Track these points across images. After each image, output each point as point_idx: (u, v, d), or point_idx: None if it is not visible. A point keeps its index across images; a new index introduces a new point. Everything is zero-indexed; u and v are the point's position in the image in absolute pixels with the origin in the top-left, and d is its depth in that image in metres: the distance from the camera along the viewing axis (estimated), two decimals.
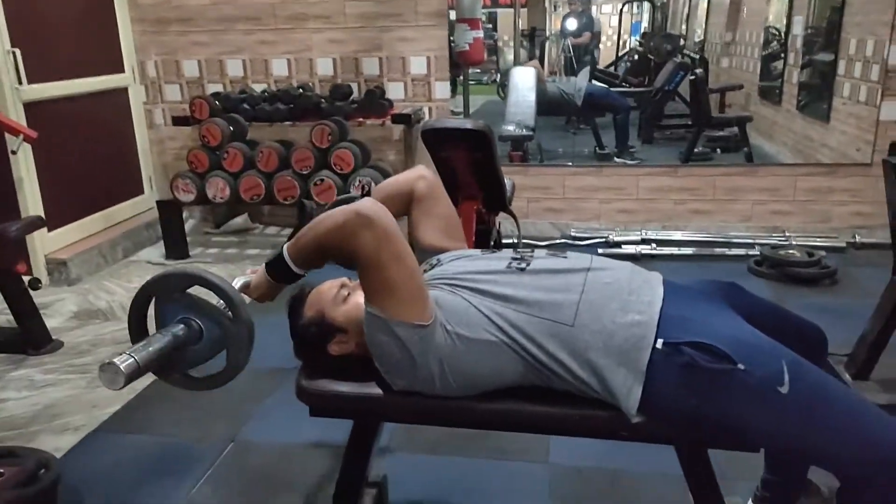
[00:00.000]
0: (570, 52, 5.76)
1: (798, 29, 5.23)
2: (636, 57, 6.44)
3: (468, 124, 2.39)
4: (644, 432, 1.30)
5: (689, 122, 5.60)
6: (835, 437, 1.18)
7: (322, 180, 3.62)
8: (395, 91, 4.08)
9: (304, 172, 3.68)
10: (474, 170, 2.22)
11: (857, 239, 3.79)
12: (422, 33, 4.03)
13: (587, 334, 1.27)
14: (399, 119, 3.84)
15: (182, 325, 1.31)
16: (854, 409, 1.19)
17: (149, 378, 2.55)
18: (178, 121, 4.09)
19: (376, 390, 1.40)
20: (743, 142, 4.89)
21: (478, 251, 1.55)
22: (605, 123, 5.38)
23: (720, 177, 4.02)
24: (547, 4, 5.85)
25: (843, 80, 4.35)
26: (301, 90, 3.91)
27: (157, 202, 3.99)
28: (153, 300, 1.35)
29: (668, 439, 1.33)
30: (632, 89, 6.01)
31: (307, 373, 1.48)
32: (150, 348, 1.25)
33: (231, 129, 3.83)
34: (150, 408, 2.44)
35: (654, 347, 1.24)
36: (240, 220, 4.49)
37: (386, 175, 3.77)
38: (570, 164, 4.40)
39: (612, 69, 6.37)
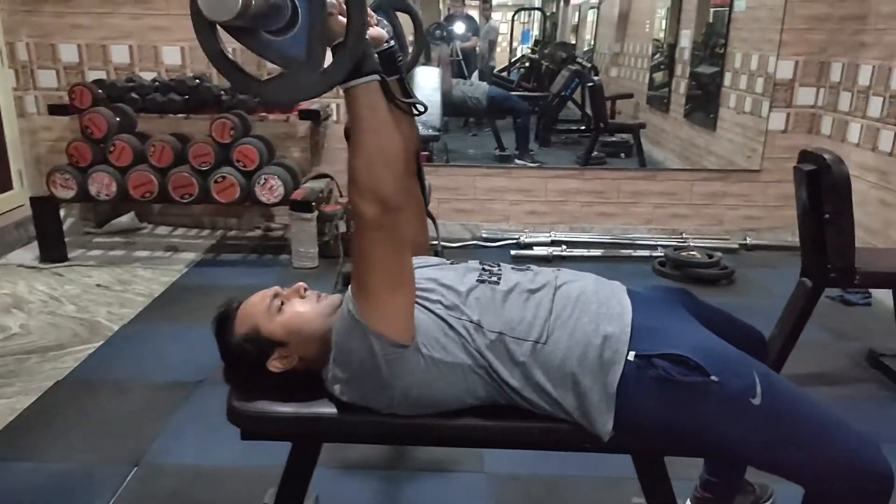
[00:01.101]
0: (458, 55, 5.78)
1: (685, 42, 5.51)
2: (528, 64, 6.60)
3: None
4: (610, 444, 1.25)
5: (583, 128, 5.79)
6: (805, 448, 1.18)
7: (224, 177, 3.38)
8: None
9: (203, 168, 3.42)
10: None
11: (749, 241, 4.01)
12: None
13: (560, 351, 1.21)
14: (307, 115, 3.65)
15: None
16: (824, 420, 1.20)
17: (29, 396, 2.30)
18: (54, 109, 3.70)
19: (323, 409, 1.28)
20: (637, 147, 5.09)
21: (443, 260, 1.45)
22: (504, 126, 5.46)
23: (624, 180, 4.13)
24: (441, 6, 5.84)
25: (729, 91, 4.61)
26: (198, 81, 3.64)
27: (31, 199, 3.59)
28: None
29: (632, 450, 1.29)
30: (530, 94, 6.14)
31: (239, 393, 1.33)
32: None
33: (118, 119, 3.50)
34: (37, 430, 2.16)
35: (626, 360, 1.19)
36: (125, 219, 4.13)
37: (292, 173, 3.58)
38: (480, 165, 4.38)
39: (504, 74, 6.50)
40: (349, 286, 1.20)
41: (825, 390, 2.46)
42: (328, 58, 1.05)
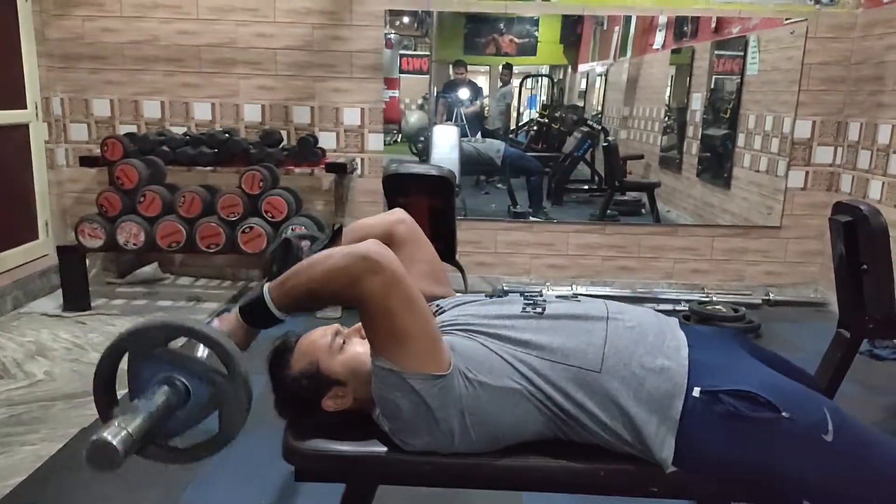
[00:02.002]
0: (462, 119, 5.91)
1: (697, 105, 5.63)
2: (535, 127, 6.75)
3: (433, 171, 2.33)
4: (676, 487, 1.23)
5: (594, 187, 5.87)
6: (880, 486, 1.15)
7: (251, 228, 3.42)
8: (326, 141, 3.97)
9: (232, 219, 3.45)
10: (432, 218, 2.14)
11: (772, 296, 4.00)
12: (357, 85, 3.97)
13: (615, 381, 1.20)
14: (333, 168, 3.72)
15: (166, 387, 1.10)
16: None
17: (55, 443, 2.26)
18: (85, 161, 3.77)
19: (379, 449, 1.26)
20: (651, 206, 5.15)
21: (481, 296, 1.45)
22: (516, 185, 5.54)
23: (645, 235, 4.16)
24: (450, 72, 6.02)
25: (743, 151, 4.69)
26: (227, 134, 3.72)
27: (58, 248, 3.61)
28: (126, 357, 1.14)
29: (700, 494, 1.26)
30: (542, 154, 6.26)
31: (295, 432, 1.31)
32: (140, 416, 1.03)
33: (148, 171, 3.57)
34: (63, 478, 2.11)
35: (690, 395, 1.18)
36: (149, 270, 4.15)
37: (319, 224, 3.62)
38: (501, 219, 4.42)
39: (512, 136, 6.64)
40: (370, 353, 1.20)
41: None
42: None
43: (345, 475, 1.30)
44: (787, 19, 3.98)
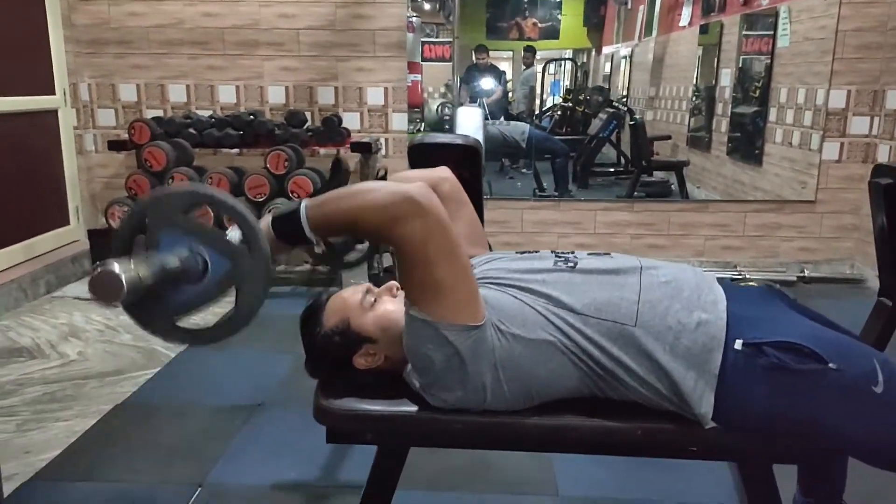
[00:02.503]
0: (484, 108, 5.85)
1: (726, 80, 5.51)
2: (559, 112, 6.67)
3: (459, 140, 2.29)
4: (716, 445, 1.19)
5: (621, 169, 5.78)
6: None
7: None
8: (350, 121, 3.95)
9: (259, 200, 3.46)
10: None
11: (806, 273, 3.91)
12: (380, 64, 3.95)
13: (651, 336, 1.16)
14: (358, 147, 3.70)
15: (185, 252, 1.02)
16: None
17: (89, 419, 2.28)
18: (113, 145, 3.80)
19: (410, 408, 1.24)
20: (680, 185, 5.05)
21: (511, 252, 1.42)
22: (542, 168, 5.47)
23: (674, 212, 4.09)
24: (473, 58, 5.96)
25: (775, 126, 4.58)
26: (252, 116, 3.72)
27: (89, 231, 3.66)
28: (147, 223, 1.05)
29: (741, 453, 1.22)
30: (568, 138, 6.18)
31: (326, 392, 1.29)
32: (152, 265, 0.97)
33: (176, 153, 3.58)
34: (97, 452, 2.13)
35: (731, 349, 1.14)
36: None
37: None
38: (528, 198, 4.38)
39: (536, 122, 6.57)
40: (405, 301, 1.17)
41: None
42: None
43: (376, 434, 1.27)
44: None
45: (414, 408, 1.23)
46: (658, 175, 5.35)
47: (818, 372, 1.09)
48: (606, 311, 1.18)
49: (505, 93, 5.91)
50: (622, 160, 5.78)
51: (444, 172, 1.53)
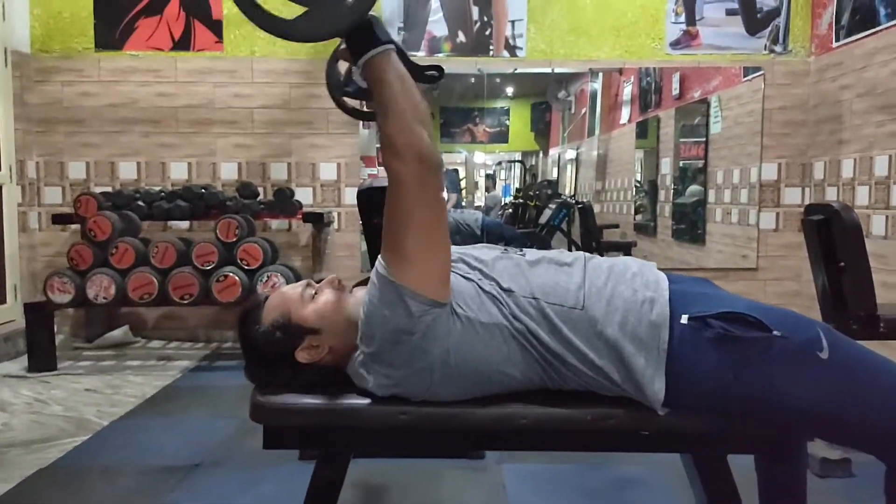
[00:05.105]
0: None
1: (666, 168, 5.80)
2: (510, 210, 6.93)
3: None
4: (669, 429, 1.15)
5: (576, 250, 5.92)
6: (879, 406, 1.10)
7: (226, 276, 3.35)
8: (303, 196, 3.97)
9: (207, 268, 3.39)
10: None
11: None
12: (334, 140, 4.04)
13: (599, 317, 1.15)
14: (310, 218, 3.71)
15: None
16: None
17: (8, 484, 2.10)
18: (58, 218, 3.73)
19: (354, 401, 1.18)
20: None
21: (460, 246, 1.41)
22: None
23: None
24: None
25: (715, 207, 4.79)
26: (203, 189, 3.72)
27: (25, 305, 3.50)
28: None
29: (695, 438, 1.18)
30: (521, 231, 6.38)
31: (264, 390, 1.23)
32: None
33: (122, 224, 3.52)
34: None
35: (677, 324, 1.13)
36: (118, 333, 4.01)
37: (296, 274, 3.56)
38: None
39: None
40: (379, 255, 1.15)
41: None
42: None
43: (316, 431, 1.20)
44: (745, 77, 4.17)
45: (357, 400, 1.18)
46: (609, 255, 5.49)
47: (764, 340, 1.09)
48: (554, 295, 1.17)
49: (459, 200, 6.13)
50: (573, 248, 5.93)
51: None
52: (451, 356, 1.12)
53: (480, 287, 1.18)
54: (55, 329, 3.65)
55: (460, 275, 1.20)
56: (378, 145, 4.12)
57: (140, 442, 2.50)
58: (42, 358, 3.46)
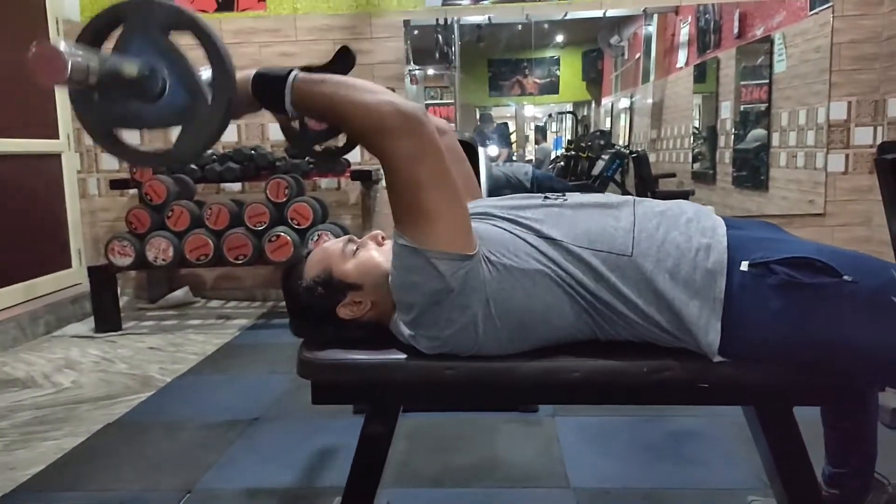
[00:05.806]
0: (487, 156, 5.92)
1: (726, 113, 5.54)
2: (562, 163, 6.75)
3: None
4: (727, 381, 1.10)
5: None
6: None
7: (278, 236, 3.39)
8: (351, 154, 3.93)
9: (259, 228, 3.43)
10: None
11: None
12: None
13: (649, 263, 1.09)
14: (359, 175, 3.70)
15: (149, 68, 0.94)
16: None
17: (78, 437, 2.19)
18: (115, 184, 3.82)
19: (399, 356, 1.16)
20: None
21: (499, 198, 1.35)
22: None
23: None
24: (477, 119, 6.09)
25: (779, 151, 4.56)
26: (253, 151, 3.74)
27: (89, 268, 3.62)
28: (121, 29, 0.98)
29: (757, 390, 1.12)
30: (573, 184, 6.23)
31: (311, 346, 1.22)
32: (110, 61, 0.89)
33: (177, 187, 3.59)
34: (83, 465, 2.03)
35: (737, 272, 1.06)
36: (180, 294, 4.13)
37: (346, 232, 3.57)
38: None
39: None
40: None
41: None
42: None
43: (362, 387, 1.18)
44: (811, 11, 3.91)
45: (402, 355, 1.16)
46: None
47: (833, 285, 1.02)
48: (601, 242, 1.11)
49: (510, 155, 6.00)
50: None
51: (448, 126, 1.48)
52: (491, 307, 1.08)
53: (517, 235, 1.13)
54: (119, 291, 3.78)
55: (490, 224, 1.15)
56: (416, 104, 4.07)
57: (201, 397, 2.58)
58: (107, 319, 3.59)
